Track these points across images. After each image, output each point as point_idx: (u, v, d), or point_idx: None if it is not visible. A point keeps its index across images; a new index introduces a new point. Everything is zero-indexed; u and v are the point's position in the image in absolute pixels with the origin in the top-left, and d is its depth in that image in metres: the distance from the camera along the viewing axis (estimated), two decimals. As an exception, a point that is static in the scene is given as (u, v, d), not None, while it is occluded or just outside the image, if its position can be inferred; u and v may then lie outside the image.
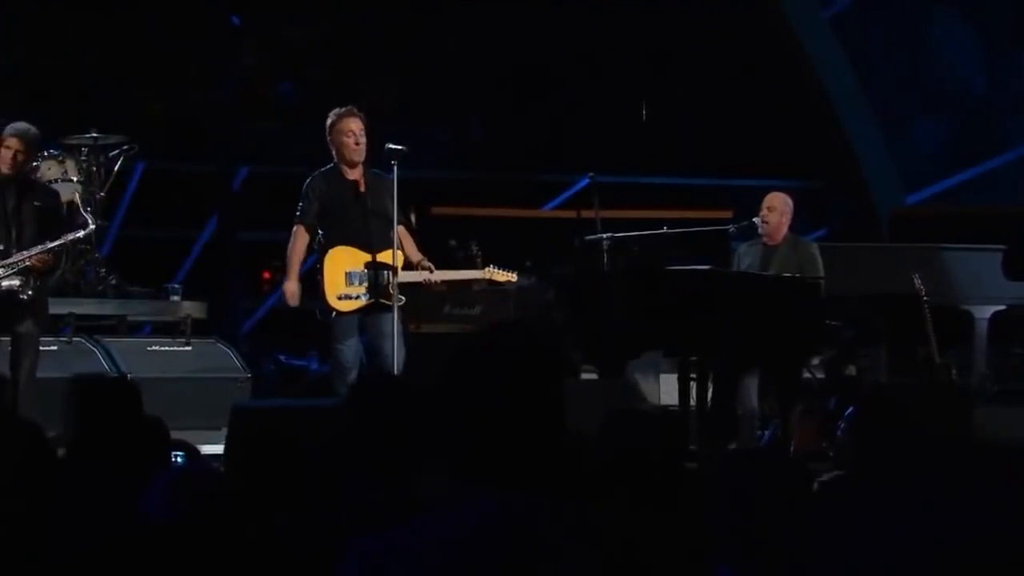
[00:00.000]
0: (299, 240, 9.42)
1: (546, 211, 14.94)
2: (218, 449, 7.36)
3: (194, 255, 14.05)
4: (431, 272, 9.39)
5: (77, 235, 8.97)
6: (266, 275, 14.52)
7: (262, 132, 14.79)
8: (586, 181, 11.16)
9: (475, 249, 11.68)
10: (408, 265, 9.40)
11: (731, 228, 10.42)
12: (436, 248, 10.18)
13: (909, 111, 15.39)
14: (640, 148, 15.23)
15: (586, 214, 11.39)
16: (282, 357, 13.60)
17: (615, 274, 9.80)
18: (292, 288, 9.43)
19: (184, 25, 14.19)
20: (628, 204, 13.23)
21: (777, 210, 10.12)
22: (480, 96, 15.59)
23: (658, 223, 10.66)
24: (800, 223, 10.79)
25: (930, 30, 15.28)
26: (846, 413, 6.98)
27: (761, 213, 10.12)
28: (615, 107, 15.39)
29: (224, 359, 10.18)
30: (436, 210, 13.33)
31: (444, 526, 3.02)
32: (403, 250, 9.39)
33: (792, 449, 7.44)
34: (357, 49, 14.87)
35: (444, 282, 9.81)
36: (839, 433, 6.85)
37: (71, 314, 9.80)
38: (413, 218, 11.97)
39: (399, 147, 9.16)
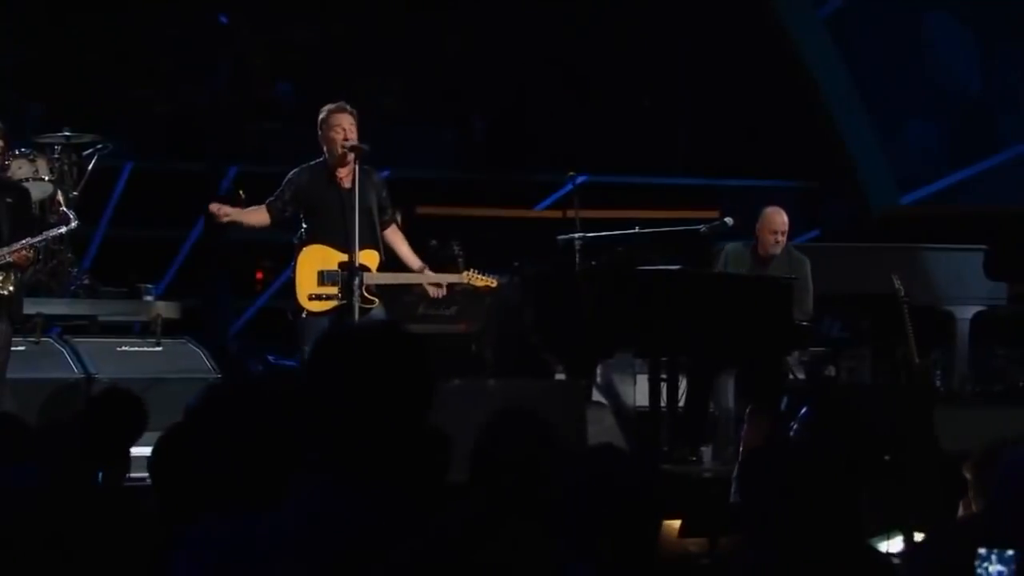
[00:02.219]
0: (257, 210, 9.27)
1: (532, 211, 14.87)
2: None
3: (183, 255, 14.02)
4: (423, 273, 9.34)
5: (60, 231, 8.81)
6: (258, 275, 14.49)
7: (261, 132, 14.77)
8: (576, 181, 11.08)
9: (457, 249, 11.60)
10: (395, 267, 9.32)
11: (702, 227, 10.34)
12: (418, 248, 10.14)
13: (904, 111, 15.30)
14: (634, 148, 15.18)
15: (571, 214, 11.32)
16: (271, 357, 13.55)
17: (582, 274, 9.74)
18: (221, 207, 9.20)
19: (178, 24, 14.20)
20: (620, 205, 13.19)
21: (787, 230, 10.26)
22: (476, 97, 15.57)
23: (648, 223, 10.59)
24: (794, 224, 10.76)
25: (925, 30, 15.20)
26: (799, 414, 6.90)
27: (772, 236, 10.15)
28: (610, 107, 15.35)
29: (194, 359, 10.07)
30: (421, 210, 13.29)
31: (277, 517, 2.99)
32: (400, 255, 9.32)
33: (740, 449, 7.38)
34: (358, 49, 14.85)
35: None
36: (791, 434, 6.77)
37: (39, 314, 9.74)
38: (399, 218, 11.90)
39: (362, 145, 9.11)
